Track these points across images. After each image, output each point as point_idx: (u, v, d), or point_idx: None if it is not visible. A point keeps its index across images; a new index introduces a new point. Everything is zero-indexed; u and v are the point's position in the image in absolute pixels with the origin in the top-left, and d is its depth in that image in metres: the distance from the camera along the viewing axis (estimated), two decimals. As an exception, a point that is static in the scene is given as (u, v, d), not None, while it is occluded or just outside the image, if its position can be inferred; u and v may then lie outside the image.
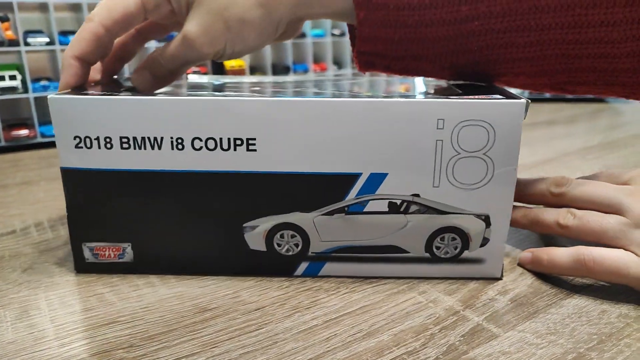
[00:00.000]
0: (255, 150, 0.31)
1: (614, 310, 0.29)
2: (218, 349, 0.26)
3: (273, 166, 0.31)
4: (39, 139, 0.79)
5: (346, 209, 0.32)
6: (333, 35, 1.38)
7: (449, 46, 0.32)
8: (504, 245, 0.33)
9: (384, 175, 0.31)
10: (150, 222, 0.33)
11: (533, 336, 0.27)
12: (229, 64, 1.12)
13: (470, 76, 0.35)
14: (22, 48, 0.81)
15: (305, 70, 1.40)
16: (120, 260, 0.34)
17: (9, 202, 0.51)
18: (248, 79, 0.43)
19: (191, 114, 0.30)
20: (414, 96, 0.32)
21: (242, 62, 1.15)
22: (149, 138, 0.31)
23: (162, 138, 0.31)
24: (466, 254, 0.33)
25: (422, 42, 0.32)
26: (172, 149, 0.31)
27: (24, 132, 0.76)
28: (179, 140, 0.31)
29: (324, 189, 0.32)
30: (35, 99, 0.82)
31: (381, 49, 0.33)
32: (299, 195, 0.32)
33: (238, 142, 0.31)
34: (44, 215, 0.47)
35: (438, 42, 0.32)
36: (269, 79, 0.43)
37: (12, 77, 0.80)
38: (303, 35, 1.17)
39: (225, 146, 0.31)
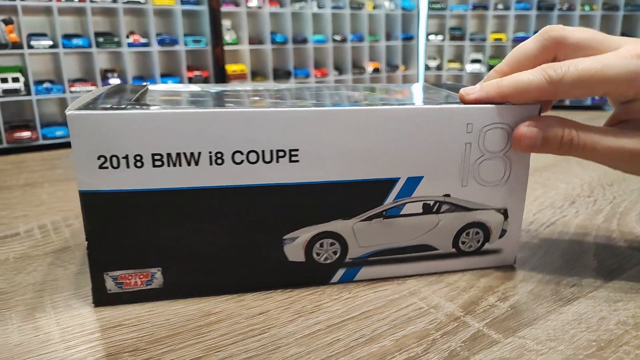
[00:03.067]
0: (297, 161, 0.30)
1: (613, 317, 0.30)
2: (222, 353, 0.27)
3: (315, 176, 0.31)
4: (41, 141, 0.79)
5: (384, 213, 0.33)
6: (334, 41, 1.39)
7: None
8: (519, 235, 0.35)
9: (420, 178, 0.33)
10: (183, 243, 0.31)
11: (533, 342, 0.27)
12: (231, 68, 1.12)
13: None
14: (26, 51, 0.82)
15: (307, 76, 1.41)
16: (148, 287, 0.31)
17: (12, 203, 0.52)
18: (243, 86, 0.42)
19: (232, 126, 0.29)
20: (441, 103, 0.33)
21: (244, 67, 1.16)
22: (185, 154, 0.29)
23: (199, 153, 0.29)
24: (487, 246, 0.35)
25: None
26: (211, 164, 0.29)
27: (26, 134, 0.77)
28: (219, 155, 0.29)
29: (364, 196, 0.32)
30: (38, 101, 0.82)
31: None
32: (339, 203, 0.32)
33: (281, 153, 0.30)
34: (48, 217, 0.47)
35: None
36: (265, 86, 0.43)
37: (15, 80, 0.81)
38: (304, 41, 1.18)
39: (267, 158, 0.30)
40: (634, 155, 0.32)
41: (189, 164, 0.29)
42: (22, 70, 0.83)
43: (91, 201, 0.29)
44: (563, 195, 0.52)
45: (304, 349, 0.27)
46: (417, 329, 0.29)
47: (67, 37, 0.91)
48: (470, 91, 0.33)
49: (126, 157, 0.28)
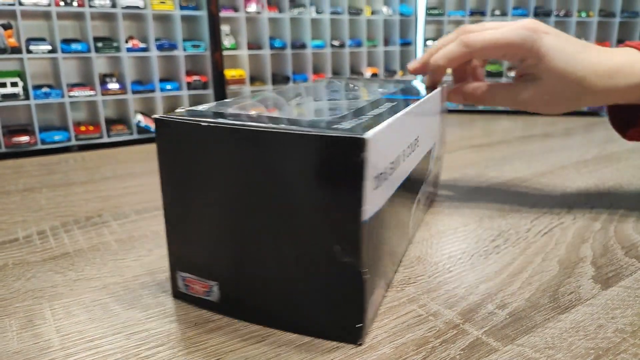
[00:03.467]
0: (419, 145, 0.37)
1: (610, 325, 0.30)
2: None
3: (422, 154, 0.39)
4: (40, 146, 0.79)
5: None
6: (332, 46, 1.39)
7: None
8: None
9: (434, 142, 0.45)
10: None
11: (532, 350, 0.27)
12: (230, 73, 1.12)
13: None
14: (25, 55, 0.82)
15: (305, 81, 1.43)
16: None
17: (11, 208, 0.52)
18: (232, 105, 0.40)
19: (411, 124, 0.35)
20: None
21: (242, 72, 1.16)
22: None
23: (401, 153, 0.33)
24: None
25: None
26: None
27: (24, 138, 0.77)
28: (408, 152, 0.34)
29: (428, 160, 0.43)
30: (37, 105, 0.82)
31: None
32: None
33: (416, 142, 0.36)
34: (47, 223, 0.47)
35: None
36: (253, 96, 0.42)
37: (14, 84, 0.81)
38: (303, 46, 1.18)
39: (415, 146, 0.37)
40: (525, 101, 0.46)
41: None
42: (21, 74, 0.83)
43: (370, 229, 0.26)
44: (560, 201, 0.53)
45: (304, 356, 0.27)
46: (416, 337, 0.29)
47: (66, 41, 0.91)
48: (417, 67, 0.49)
49: (385, 170, 0.27)
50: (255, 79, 1.18)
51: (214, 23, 1.10)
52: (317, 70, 1.39)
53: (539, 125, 0.97)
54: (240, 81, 1.14)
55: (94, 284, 0.35)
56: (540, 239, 0.43)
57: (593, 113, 1.09)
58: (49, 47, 0.86)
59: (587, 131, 0.94)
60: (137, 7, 1.03)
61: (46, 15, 0.88)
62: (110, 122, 0.89)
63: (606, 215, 0.48)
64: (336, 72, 1.47)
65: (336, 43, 1.37)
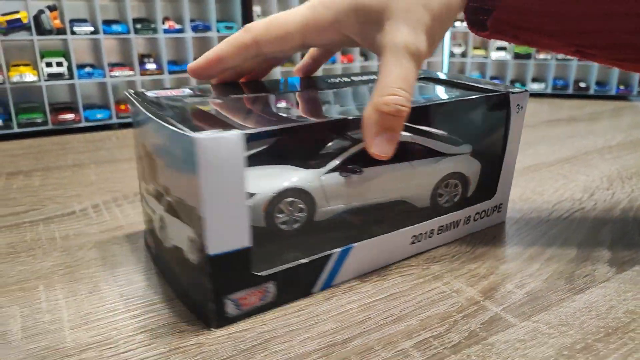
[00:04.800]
0: None
1: (621, 306, 0.32)
2: (267, 327, 0.30)
3: None
4: (84, 123, 0.83)
5: None
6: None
7: (584, 26, 0.35)
8: None
9: None
10: None
11: (546, 326, 0.30)
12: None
13: (591, 56, 0.38)
14: (69, 37, 0.86)
15: (333, 62, 1.44)
16: None
17: (64, 183, 0.56)
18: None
19: None
20: None
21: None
22: None
23: None
24: None
25: (559, 17, 0.35)
26: None
27: (69, 116, 0.81)
28: None
29: None
30: (81, 85, 0.86)
31: (516, 19, 0.36)
32: None
33: None
34: (99, 197, 0.51)
35: (574, 20, 0.35)
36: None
37: (59, 64, 0.85)
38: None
39: None
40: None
41: None
42: (65, 55, 0.87)
43: None
44: (582, 187, 0.54)
45: (340, 325, 0.30)
46: (440, 311, 0.32)
47: (107, 23, 0.95)
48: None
49: None
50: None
51: (247, 4, 1.12)
52: (344, 52, 1.41)
53: (565, 109, 0.97)
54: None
55: (149, 254, 0.39)
56: (561, 223, 0.45)
57: (621, 97, 1.08)
58: (92, 29, 0.90)
59: (613, 116, 0.94)
60: (173, -12, 1.06)
61: (88, -4, 0.92)
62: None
63: (627, 202, 0.50)
64: (364, 54, 1.49)
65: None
